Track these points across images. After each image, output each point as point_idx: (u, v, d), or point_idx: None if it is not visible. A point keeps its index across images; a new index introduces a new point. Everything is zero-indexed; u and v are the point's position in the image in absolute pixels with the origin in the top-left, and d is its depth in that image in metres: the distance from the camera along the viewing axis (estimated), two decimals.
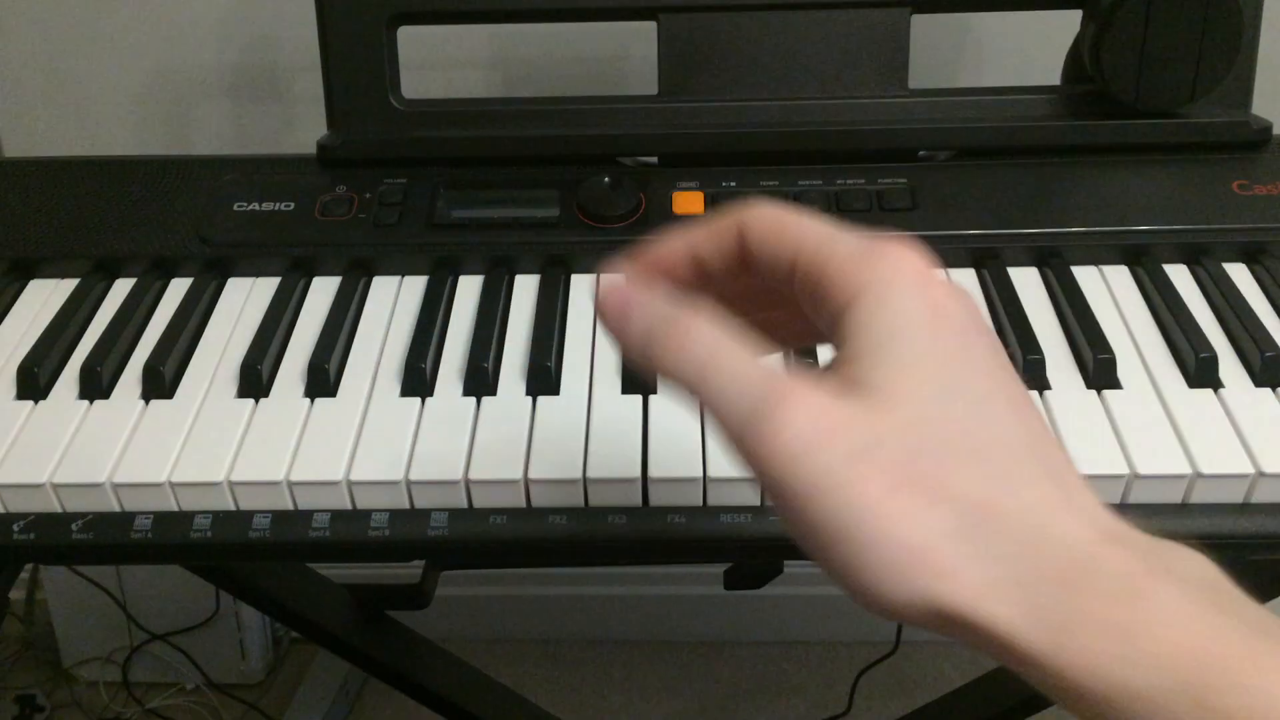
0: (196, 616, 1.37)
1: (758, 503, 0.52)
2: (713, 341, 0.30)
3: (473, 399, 0.56)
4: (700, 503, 0.52)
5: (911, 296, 0.29)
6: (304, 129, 1.04)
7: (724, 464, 0.52)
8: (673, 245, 0.35)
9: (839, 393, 0.28)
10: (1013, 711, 0.97)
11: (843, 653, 1.45)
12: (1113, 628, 0.25)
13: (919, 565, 0.26)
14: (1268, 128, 0.67)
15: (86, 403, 0.57)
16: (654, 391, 0.56)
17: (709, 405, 0.30)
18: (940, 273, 0.32)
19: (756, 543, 0.52)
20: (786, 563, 0.75)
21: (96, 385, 0.58)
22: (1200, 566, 0.27)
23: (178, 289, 0.64)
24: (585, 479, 0.52)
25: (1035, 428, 0.29)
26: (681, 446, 0.53)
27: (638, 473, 0.52)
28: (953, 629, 0.27)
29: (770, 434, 0.27)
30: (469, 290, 0.64)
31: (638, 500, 0.52)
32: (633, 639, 1.50)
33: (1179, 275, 0.63)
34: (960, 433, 0.28)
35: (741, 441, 0.28)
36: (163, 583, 1.36)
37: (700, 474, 0.52)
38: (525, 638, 1.48)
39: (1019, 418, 0.29)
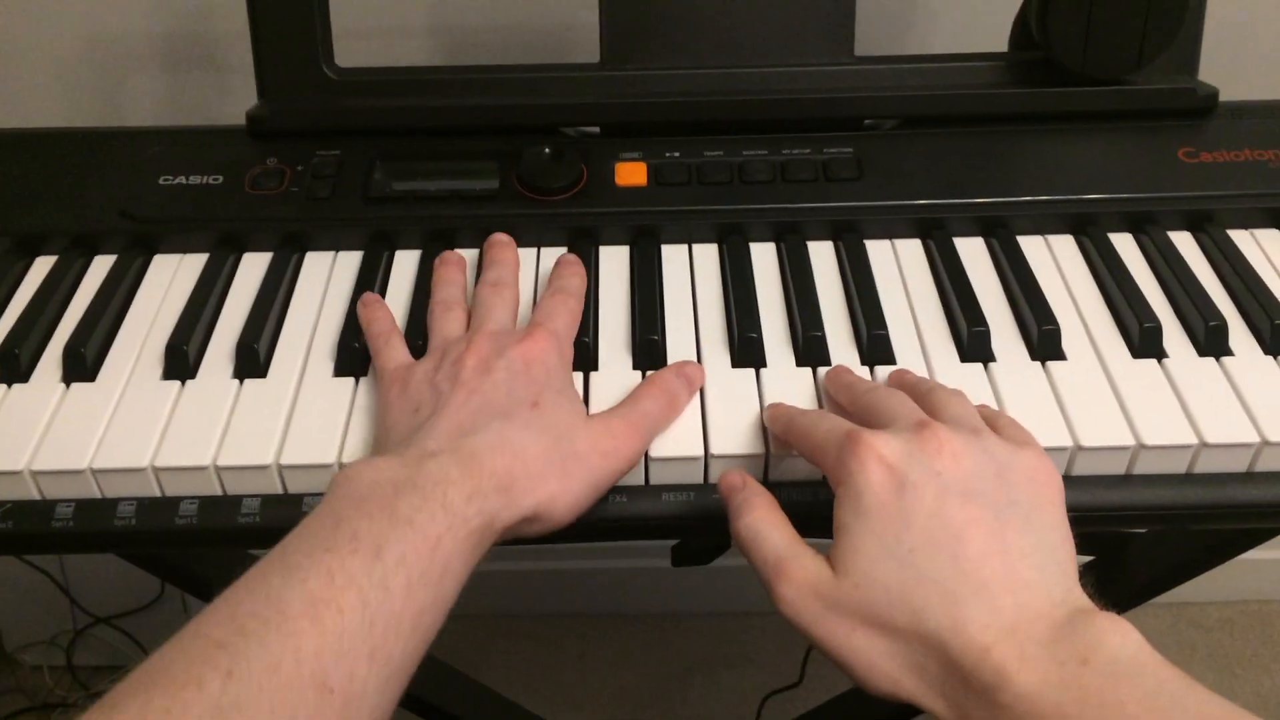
0: (141, 599, 1.35)
1: (700, 481, 0.51)
2: (756, 523, 0.45)
3: None
4: (643, 482, 0.52)
5: (865, 490, 0.42)
6: (240, 99, 1.00)
7: (668, 443, 0.51)
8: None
9: (825, 565, 0.42)
10: None
11: None
12: (982, 711, 0.38)
13: (877, 675, 0.40)
14: (1213, 95, 0.67)
15: (4, 387, 0.55)
16: None
17: (750, 561, 0.45)
18: (904, 447, 0.43)
19: (699, 520, 0.51)
20: None
21: (14, 368, 0.55)
22: (1117, 644, 0.37)
23: (101, 267, 0.62)
24: None
25: (966, 552, 0.40)
26: None
27: None
28: (901, 699, 0.40)
29: (777, 595, 0.43)
30: (406, 265, 0.62)
31: None
32: (587, 613, 1.49)
33: (1124, 244, 0.62)
34: (890, 585, 0.40)
35: (767, 591, 0.43)
36: (105, 565, 1.33)
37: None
38: (479, 613, 1.47)
39: (949, 551, 0.40)
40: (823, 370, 0.54)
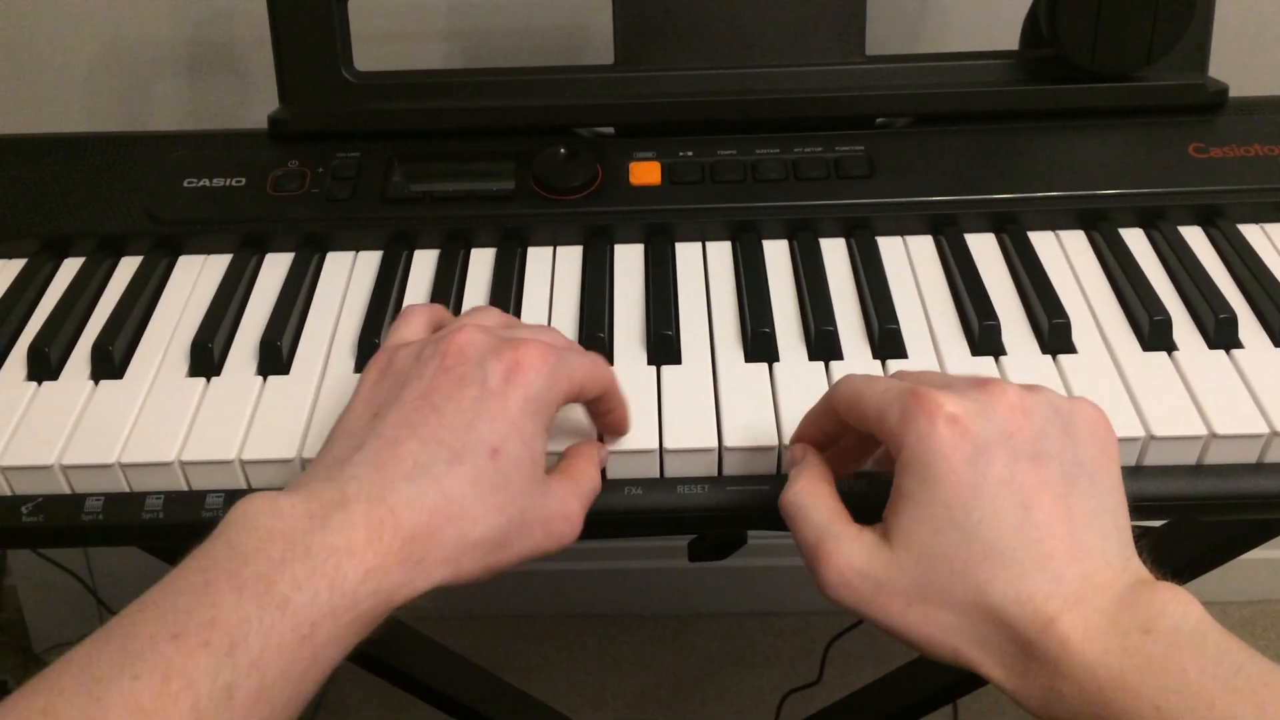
0: None
1: (714, 474, 0.52)
2: (796, 495, 0.44)
3: None
4: (658, 474, 0.52)
5: (935, 456, 0.39)
6: (262, 104, 1.02)
7: (681, 435, 0.52)
8: (803, 427, 0.49)
9: (874, 540, 0.41)
10: (979, 679, 0.97)
11: (813, 622, 1.45)
12: (1068, 695, 0.37)
13: (937, 647, 0.40)
14: (1223, 90, 0.67)
15: (35, 384, 0.56)
16: None
17: (794, 536, 0.43)
18: (972, 406, 0.40)
19: (714, 513, 0.52)
20: (751, 533, 0.75)
21: (45, 366, 0.57)
22: (1179, 614, 0.37)
23: (127, 268, 0.64)
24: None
25: (1034, 520, 0.39)
26: (638, 419, 0.52)
27: None
28: (961, 666, 0.40)
29: (819, 580, 0.41)
30: (424, 265, 0.63)
31: None
32: (605, 613, 1.50)
33: (1135, 239, 0.63)
34: (953, 558, 0.39)
35: (809, 570, 0.42)
36: (132, 565, 1.35)
37: (656, 445, 0.51)
38: (498, 614, 1.49)
39: (1017, 521, 0.39)
40: (837, 368, 0.55)
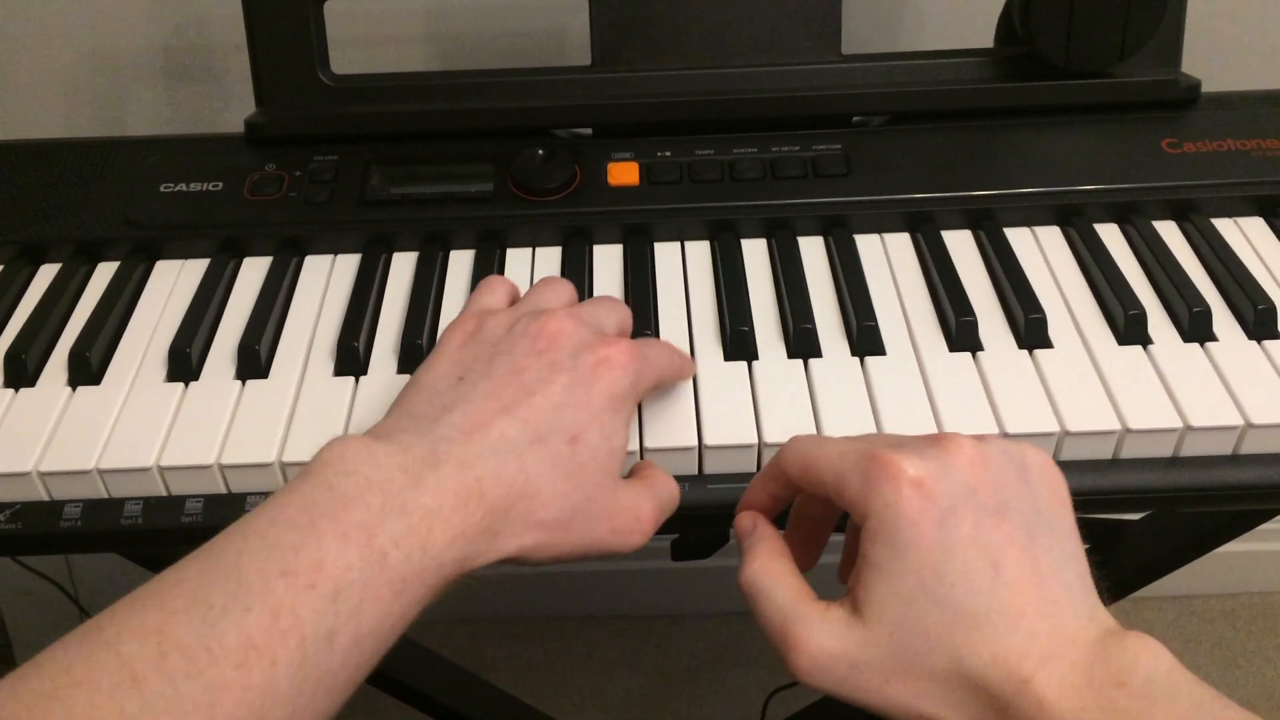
0: None
1: (695, 471, 0.52)
2: (755, 575, 0.43)
3: (408, 377, 0.56)
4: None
5: (902, 523, 0.38)
6: (239, 109, 1.02)
7: (661, 434, 0.52)
8: (752, 492, 0.47)
9: (844, 617, 0.40)
10: None
11: None
12: None
13: (911, 715, 0.38)
14: (1196, 86, 0.68)
15: (11, 391, 0.56)
16: None
17: (757, 618, 0.42)
18: (932, 465, 0.39)
19: (696, 511, 0.52)
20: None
21: (21, 372, 0.56)
22: (1150, 665, 0.36)
23: (104, 273, 0.63)
24: None
25: (1003, 579, 0.38)
26: None
27: None
28: None
29: (791, 666, 0.40)
30: (403, 267, 0.63)
31: None
32: (591, 615, 1.50)
33: (1110, 234, 0.63)
34: (929, 628, 0.38)
35: (778, 653, 0.41)
36: (114, 573, 1.34)
37: (637, 445, 0.52)
38: (485, 617, 1.48)
39: (988, 581, 0.38)
40: (816, 364, 0.55)
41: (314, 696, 0.36)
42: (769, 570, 0.43)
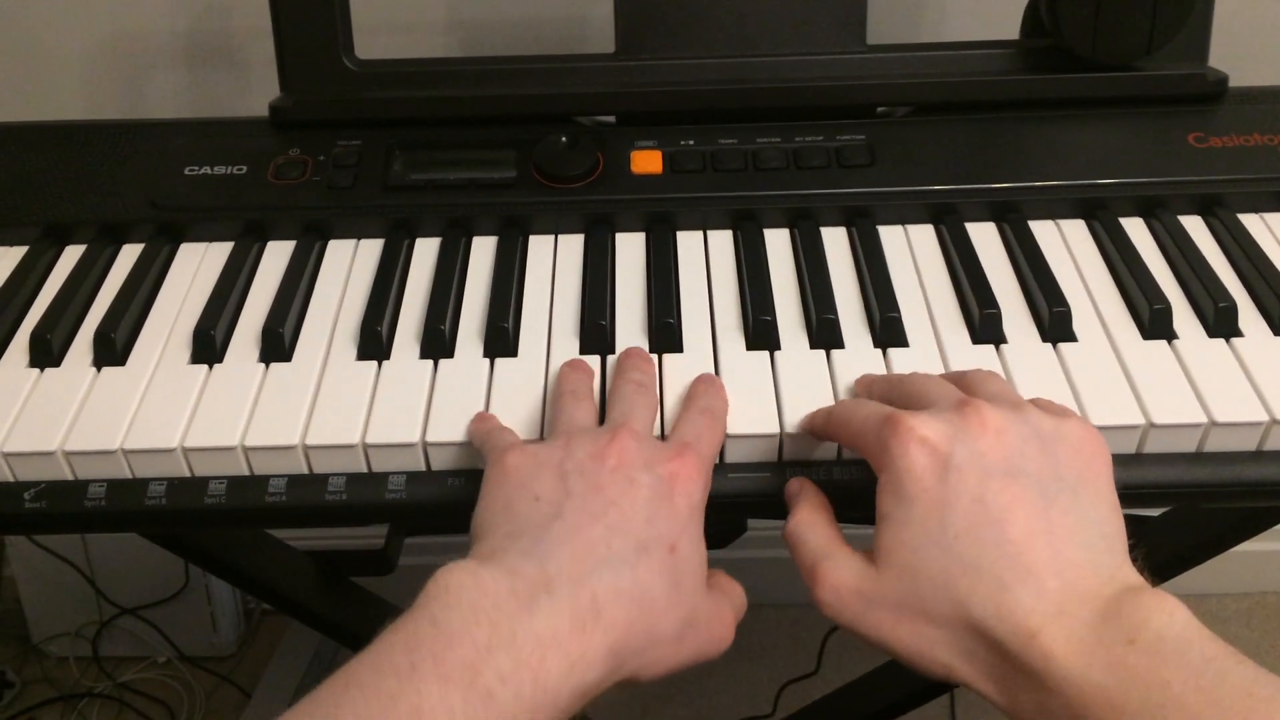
0: (166, 589, 1.37)
1: (716, 461, 0.52)
2: (796, 526, 0.46)
3: (430, 361, 0.56)
4: None
5: (907, 476, 0.41)
6: (260, 95, 1.02)
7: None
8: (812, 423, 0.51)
9: (864, 561, 0.43)
10: None
11: (810, 614, 1.45)
12: (1056, 709, 0.37)
13: (928, 660, 0.40)
14: (1223, 80, 0.67)
15: (37, 371, 0.56)
16: None
17: (795, 561, 0.45)
18: (946, 428, 0.42)
19: (717, 500, 0.52)
20: (751, 523, 0.75)
21: (47, 353, 0.57)
22: (1163, 622, 0.37)
23: (129, 255, 0.64)
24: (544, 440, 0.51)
25: (1010, 536, 0.39)
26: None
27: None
28: (954, 682, 0.41)
29: (815, 598, 0.43)
30: (426, 253, 0.63)
31: None
32: None
33: (1135, 228, 0.63)
34: (934, 574, 0.40)
35: (808, 590, 0.44)
36: (130, 556, 1.35)
37: (660, 434, 0.52)
38: None
39: (993, 536, 0.39)
40: (838, 355, 0.55)
41: None
42: (808, 520, 0.46)
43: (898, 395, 0.48)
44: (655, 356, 0.56)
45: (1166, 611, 0.37)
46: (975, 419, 0.42)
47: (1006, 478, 0.40)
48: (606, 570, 0.40)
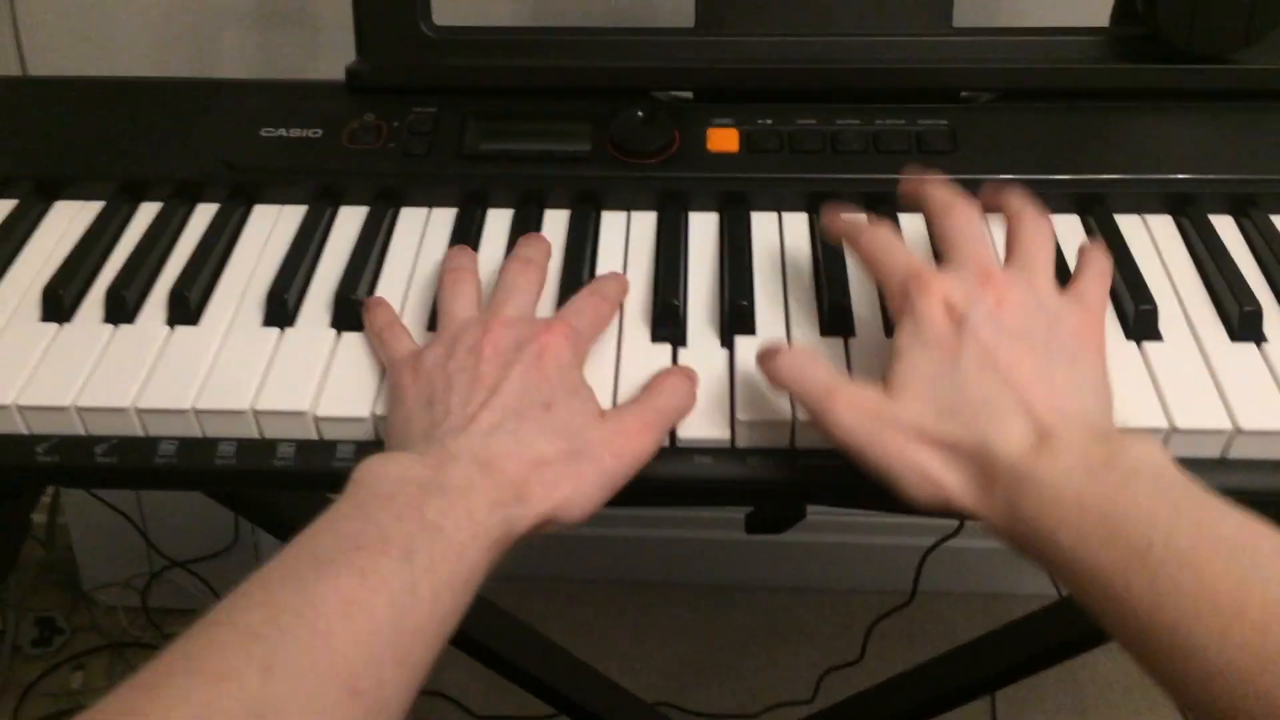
0: (215, 544, 1.39)
1: (787, 444, 0.51)
2: (796, 357, 0.48)
3: None
4: (729, 445, 0.52)
5: (927, 322, 0.46)
6: (330, 57, 1.02)
7: (753, 409, 0.51)
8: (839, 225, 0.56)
9: (877, 387, 0.46)
10: (1020, 667, 0.97)
11: (857, 601, 1.45)
12: (1028, 509, 0.42)
13: (927, 481, 0.44)
14: None
15: (111, 327, 0.57)
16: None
17: (797, 397, 0.48)
18: (967, 295, 0.46)
19: (782, 485, 0.52)
20: (810, 508, 0.74)
21: (122, 309, 0.57)
22: (1143, 453, 0.42)
23: (204, 214, 0.64)
24: None
25: (1014, 378, 0.44)
26: (710, 390, 0.52)
27: None
28: (950, 510, 0.44)
29: (832, 418, 0.46)
30: (498, 224, 0.63)
31: None
32: (646, 580, 1.50)
33: (1225, 226, 0.61)
34: (944, 401, 0.44)
35: (815, 423, 0.47)
36: (182, 509, 1.37)
37: (729, 418, 0.51)
38: (537, 575, 1.49)
39: (999, 377, 0.44)
40: None
41: (411, 647, 0.40)
42: (808, 355, 0.48)
43: (937, 224, 0.52)
44: (726, 350, 0.55)
45: (1149, 448, 0.42)
46: (993, 293, 0.46)
47: (1013, 338, 0.45)
48: (493, 440, 0.46)
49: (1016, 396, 0.44)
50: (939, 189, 0.53)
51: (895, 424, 0.44)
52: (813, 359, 0.48)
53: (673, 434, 0.51)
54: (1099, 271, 0.51)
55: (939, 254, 0.51)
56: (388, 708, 0.39)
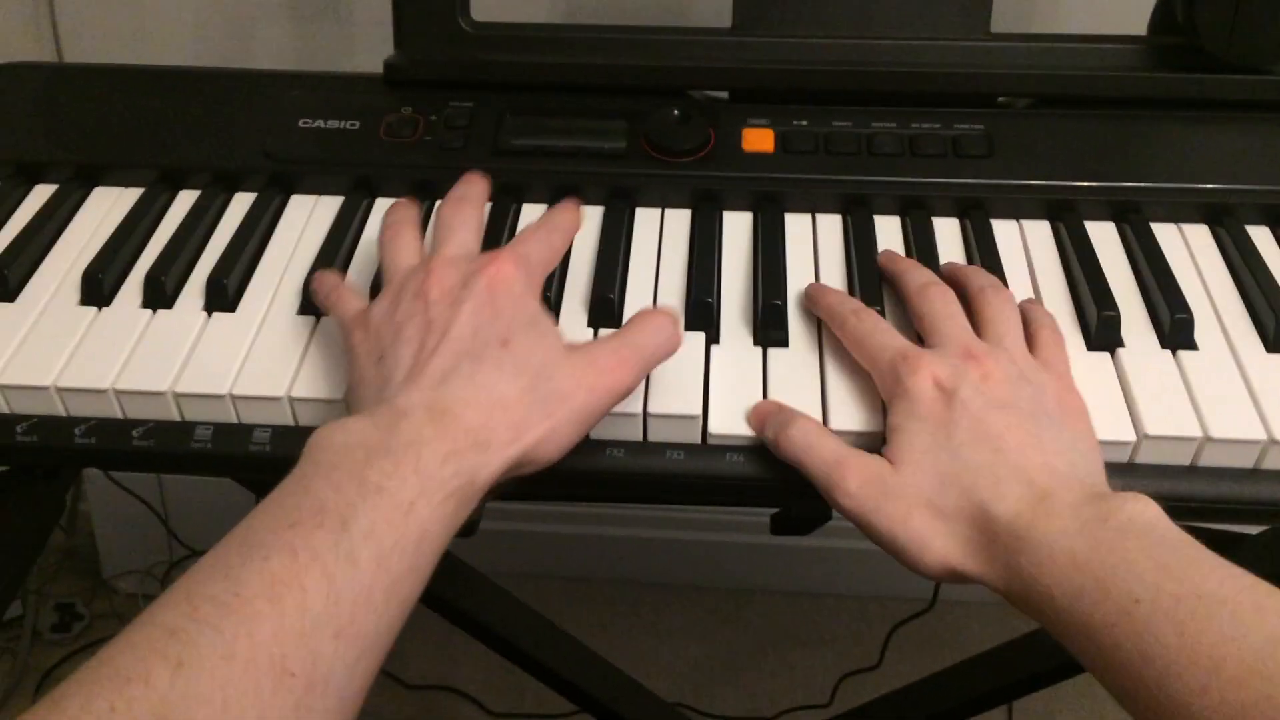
0: None
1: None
2: (807, 429, 0.49)
3: None
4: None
5: (920, 400, 0.48)
6: (365, 51, 1.03)
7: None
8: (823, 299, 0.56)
9: (881, 459, 0.48)
10: (1038, 678, 0.96)
11: (876, 607, 1.45)
12: (1025, 568, 0.43)
13: (931, 552, 0.45)
14: None
15: (150, 312, 0.57)
16: None
17: (806, 471, 0.49)
18: (953, 372, 0.48)
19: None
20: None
21: (160, 295, 0.58)
22: (1136, 510, 0.42)
23: (241, 203, 0.64)
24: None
25: (1006, 446, 0.46)
26: (742, 395, 0.53)
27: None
28: (954, 576, 0.45)
29: (843, 490, 0.47)
30: (532, 218, 0.63)
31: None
32: (663, 582, 1.50)
33: (1261, 237, 0.61)
34: (942, 472, 0.46)
35: (825, 493, 0.48)
36: (203, 498, 1.38)
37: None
38: (556, 574, 1.49)
39: (992, 446, 0.46)
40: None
41: (353, 617, 0.38)
42: (818, 428, 0.49)
43: (914, 306, 0.54)
44: (760, 349, 0.55)
45: (1141, 505, 0.43)
46: (977, 369, 0.48)
47: (1002, 408, 0.47)
48: (447, 388, 0.45)
49: (1010, 461, 0.45)
50: (914, 272, 0.56)
51: (899, 494, 0.46)
52: (822, 430, 0.49)
53: (704, 430, 0.52)
54: (1052, 338, 0.53)
55: (920, 332, 0.53)
56: (332, 683, 0.37)
